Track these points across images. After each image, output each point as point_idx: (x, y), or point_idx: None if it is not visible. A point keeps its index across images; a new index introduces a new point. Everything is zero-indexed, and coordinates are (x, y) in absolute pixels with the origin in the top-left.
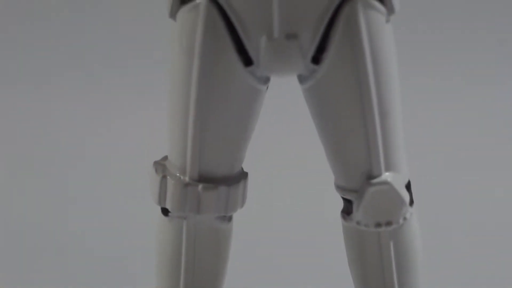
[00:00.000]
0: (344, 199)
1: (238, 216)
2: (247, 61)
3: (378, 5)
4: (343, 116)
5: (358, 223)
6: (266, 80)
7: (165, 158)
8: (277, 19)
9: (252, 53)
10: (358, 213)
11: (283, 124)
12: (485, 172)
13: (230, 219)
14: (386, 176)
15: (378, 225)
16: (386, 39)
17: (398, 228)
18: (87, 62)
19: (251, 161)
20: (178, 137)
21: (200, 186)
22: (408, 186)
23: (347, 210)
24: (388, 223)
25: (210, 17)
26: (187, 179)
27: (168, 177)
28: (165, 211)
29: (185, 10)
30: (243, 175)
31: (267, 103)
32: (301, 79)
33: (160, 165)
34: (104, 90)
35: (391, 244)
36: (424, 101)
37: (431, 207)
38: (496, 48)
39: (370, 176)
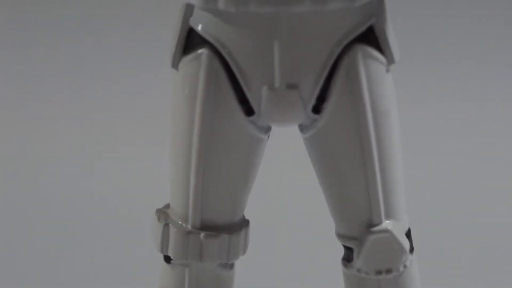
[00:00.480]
0: (345, 246)
1: (240, 262)
2: (249, 111)
3: (378, 55)
4: (344, 165)
5: (358, 270)
6: (268, 130)
7: (167, 206)
8: (278, 70)
9: (253, 103)
10: (358, 261)
11: (284, 171)
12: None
13: (232, 266)
14: (387, 224)
15: (379, 272)
16: (386, 88)
17: (398, 275)
18: (88, 115)
19: (252, 207)
20: (180, 185)
21: (202, 234)
22: (408, 234)
23: (348, 258)
24: (388, 271)
25: (212, 67)
26: (189, 227)
27: (170, 225)
28: (167, 259)
29: (187, 60)
30: (245, 223)
31: (268, 149)
32: (302, 128)
33: (163, 213)
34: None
35: None
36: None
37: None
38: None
39: (370, 224)
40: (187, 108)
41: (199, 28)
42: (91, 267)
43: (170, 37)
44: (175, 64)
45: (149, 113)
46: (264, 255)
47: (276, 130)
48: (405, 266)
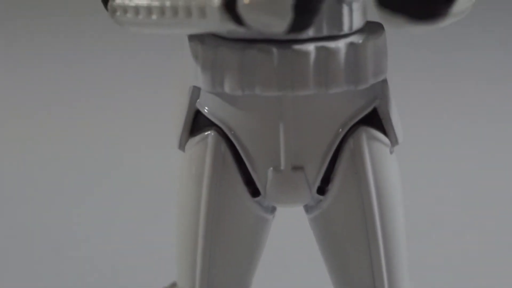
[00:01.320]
0: None
1: None
2: (255, 192)
3: (382, 137)
4: (348, 243)
5: None
6: (273, 210)
7: (174, 284)
8: (284, 152)
9: (259, 184)
10: None
11: (289, 247)
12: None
13: None
14: None
15: None
16: (390, 169)
17: None
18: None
19: (258, 283)
20: (186, 264)
21: None
22: None
23: None
24: None
25: (218, 149)
26: None
27: None
28: None
29: (193, 141)
30: None
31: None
32: (307, 208)
33: None
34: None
35: None
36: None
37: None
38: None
39: None
40: (194, 188)
41: (205, 110)
42: None
43: (176, 118)
44: (181, 146)
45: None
46: None
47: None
48: None
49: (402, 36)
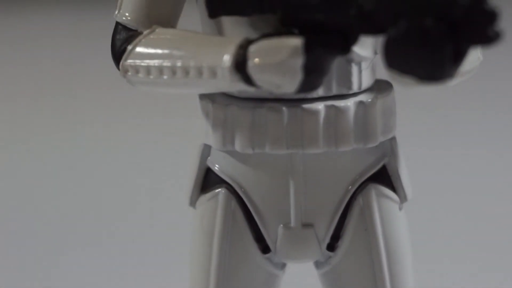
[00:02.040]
0: None
1: None
2: (265, 248)
3: (392, 194)
4: None
5: None
6: (283, 266)
7: None
8: (294, 209)
9: (269, 241)
10: None
11: None
12: None
13: None
14: None
15: None
16: (400, 227)
17: None
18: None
19: None
20: None
21: None
22: None
23: None
24: None
25: (229, 207)
26: None
27: None
28: None
29: (204, 199)
30: None
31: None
32: (317, 264)
33: None
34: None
35: None
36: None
37: None
38: None
39: None
40: (205, 244)
41: (216, 168)
42: None
43: (188, 175)
44: (192, 203)
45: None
46: None
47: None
48: None
49: (411, 93)
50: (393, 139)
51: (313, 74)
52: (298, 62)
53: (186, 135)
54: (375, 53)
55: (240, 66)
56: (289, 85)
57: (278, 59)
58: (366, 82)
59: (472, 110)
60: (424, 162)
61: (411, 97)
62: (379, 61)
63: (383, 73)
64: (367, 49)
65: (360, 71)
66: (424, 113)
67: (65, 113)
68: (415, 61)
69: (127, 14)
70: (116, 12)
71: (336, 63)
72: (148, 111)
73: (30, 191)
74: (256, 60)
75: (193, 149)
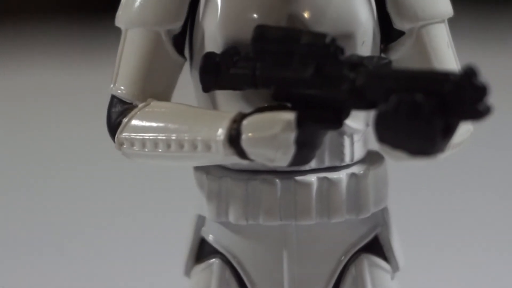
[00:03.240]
0: None
1: None
2: None
3: (384, 263)
4: None
5: None
6: None
7: None
8: (287, 280)
9: None
10: None
11: None
12: None
13: None
14: None
15: None
16: None
17: None
18: None
19: None
20: None
21: None
22: None
23: None
24: None
25: (223, 277)
26: None
27: None
28: None
29: (199, 269)
30: None
31: None
32: None
33: None
34: None
35: None
36: None
37: None
38: None
39: None
40: None
41: (210, 238)
42: None
43: (184, 245)
44: (187, 272)
45: None
46: None
47: None
48: None
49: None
50: (385, 209)
51: (305, 148)
52: (291, 136)
53: (181, 205)
54: (367, 125)
55: (233, 140)
56: (282, 159)
57: (271, 134)
58: (358, 153)
59: (464, 181)
60: (416, 231)
61: (403, 167)
62: (371, 132)
63: (376, 144)
64: (359, 122)
65: (352, 143)
66: (416, 183)
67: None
68: (406, 136)
69: (122, 87)
70: (112, 85)
71: (329, 136)
72: (142, 181)
73: None
74: (250, 134)
75: (188, 220)
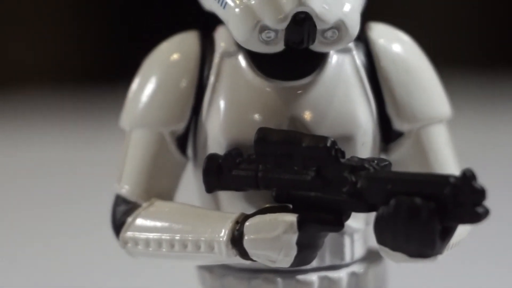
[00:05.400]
0: None
1: None
2: None
3: None
4: None
5: None
6: None
7: None
8: None
9: None
10: None
11: None
12: None
13: None
14: None
15: None
16: None
17: None
18: None
19: None
20: None
21: None
22: None
23: None
24: None
25: None
26: None
27: None
28: None
29: None
30: None
31: None
32: None
33: None
34: None
35: None
36: None
37: None
38: None
39: None
40: None
41: None
42: None
43: None
44: None
45: None
46: None
47: None
48: None
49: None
50: None
51: (307, 250)
52: (293, 238)
53: None
54: (367, 223)
55: (236, 241)
56: (284, 260)
57: (274, 235)
58: (358, 252)
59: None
60: None
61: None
62: (371, 230)
63: (375, 241)
64: (359, 221)
65: (352, 242)
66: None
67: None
68: (405, 238)
69: (127, 187)
70: (117, 184)
71: (329, 235)
72: (144, 277)
73: None
74: (252, 236)
75: None
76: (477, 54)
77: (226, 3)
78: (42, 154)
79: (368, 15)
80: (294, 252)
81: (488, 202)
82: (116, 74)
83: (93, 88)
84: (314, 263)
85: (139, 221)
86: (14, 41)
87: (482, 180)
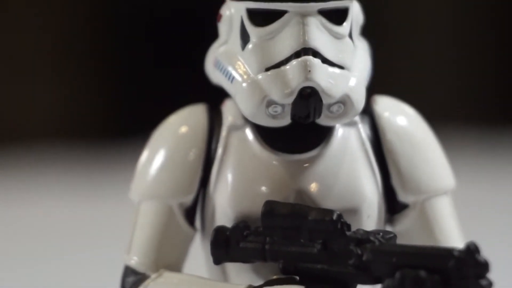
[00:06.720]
0: None
1: None
2: None
3: None
4: None
5: None
6: None
7: None
8: None
9: None
10: None
11: None
12: None
13: None
14: None
15: None
16: None
17: None
18: None
19: None
20: None
21: None
22: None
23: None
24: None
25: None
26: None
27: None
28: None
29: None
30: None
31: None
32: None
33: None
34: None
35: None
36: None
37: None
38: None
39: None
40: None
41: None
42: None
43: None
44: None
45: None
46: None
47: None
48: None
49: None
50: None
51: None
52: None
53: None
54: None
55: None
56: None
57: None
58: None
59: None
60: None
61: None
62: None
63: None
64: None
65: None
66: None
67: None
68: None
69: (136, 258)
70: (126, 255)
71: None
72: None
73: None
74: None
75: None
76: (480, 112)
77: (233, 77)
78: (50, 210)
79: (373, 76)
80: None
81: (491, 275)
82: (124, 133)
83: (102, 146)
84: None
85: None
86: (23, 96)
87: (485, 245)
